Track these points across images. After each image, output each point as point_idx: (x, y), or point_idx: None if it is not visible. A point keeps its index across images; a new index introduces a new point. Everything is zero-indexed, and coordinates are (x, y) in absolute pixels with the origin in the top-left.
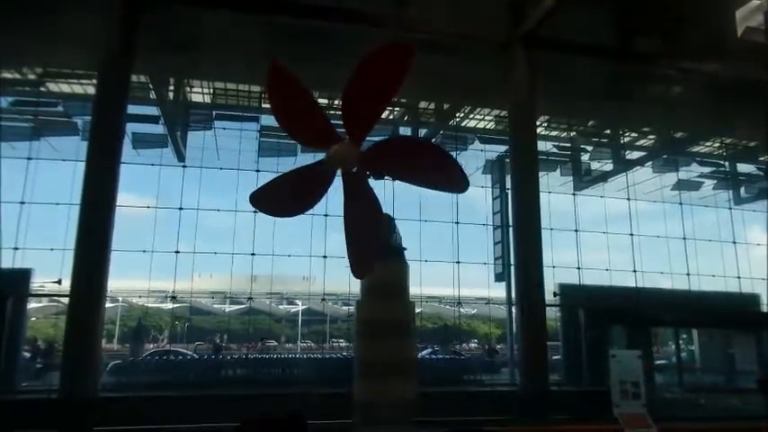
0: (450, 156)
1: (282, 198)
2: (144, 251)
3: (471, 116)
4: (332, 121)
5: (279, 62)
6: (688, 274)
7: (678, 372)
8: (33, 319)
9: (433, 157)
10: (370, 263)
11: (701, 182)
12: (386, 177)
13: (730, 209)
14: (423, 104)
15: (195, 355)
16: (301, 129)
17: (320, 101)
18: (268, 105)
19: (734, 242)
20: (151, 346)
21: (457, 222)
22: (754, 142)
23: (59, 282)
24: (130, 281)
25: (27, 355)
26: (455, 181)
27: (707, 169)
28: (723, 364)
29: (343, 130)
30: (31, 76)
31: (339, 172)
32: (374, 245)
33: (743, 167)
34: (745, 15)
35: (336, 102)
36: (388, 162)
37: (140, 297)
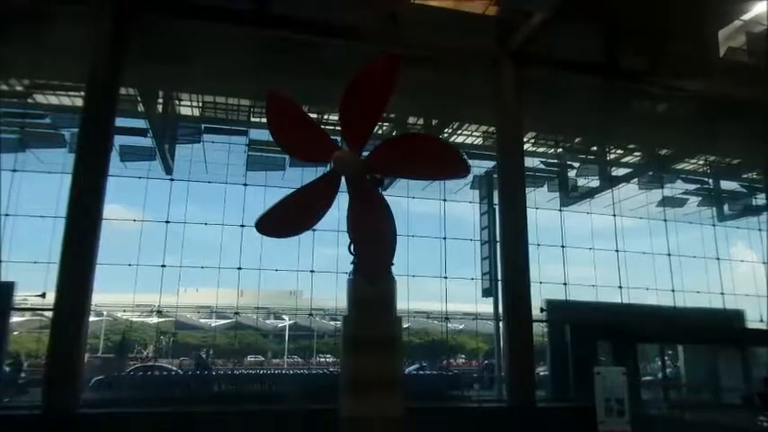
0: (447, 144)
1: (288, 219)
2: (129, 264)
3: (459, 132)
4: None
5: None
6: (673, 290)
7: (663, 388)
8: (16, 333)
9: (431, 149)
10: (384, 265)
11: (685, 198)
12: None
13: (714, 225)
14: (411, 120)
15: (180, 371)
16: (301, 145)
17: (311, 114)
18: (257, 119)
19: (717, 258)
20: (135, 360)
21: (444, 237)
22: (737, 160)
23: (43, 295)
24: (115, 294)
25: (8, 369)
26: (456, 168)
27: (691, 186)
28: (708, 380)
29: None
30: (19, 88)
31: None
32: (387, 246)
33: (726, 185)
34: (728, 35)
35: (326, 116)
36: (390, 162)
37: (125, 311)
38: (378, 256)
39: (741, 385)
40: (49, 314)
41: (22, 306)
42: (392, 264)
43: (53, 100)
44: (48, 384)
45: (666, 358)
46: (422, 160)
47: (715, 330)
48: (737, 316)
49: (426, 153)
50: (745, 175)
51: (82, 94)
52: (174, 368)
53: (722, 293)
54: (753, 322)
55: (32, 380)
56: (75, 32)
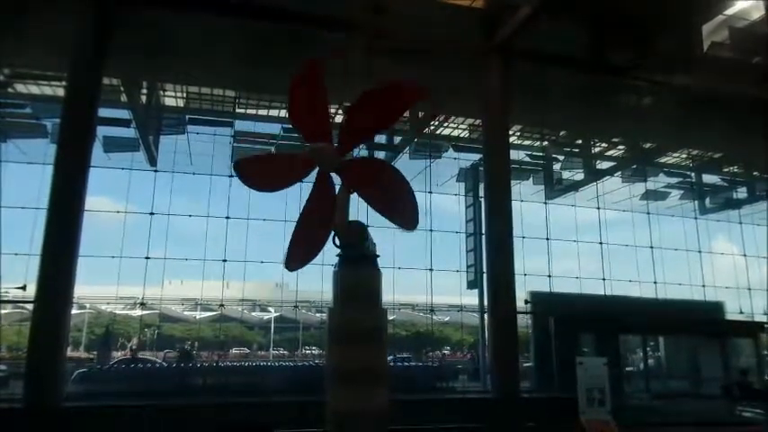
0: (410, 196)
1: (266, 171)
2: (113, 257)
3: (446, 124)
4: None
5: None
6: (655, 282)
7: (645, 378)
8: None
9: (397, 189)
10: (306, 258)
11: (668, 192)
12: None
13: (696, 218)
14: None
15: (164, 363)
16: (307, 123)
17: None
18: (242, 110)
19: (699, 251)
20: (119, 353)
21: (430, 230)
22: (719, 154)
23: (24, 287)
24: (99, 287)
25: None
26: (407, 218)
27: (674, 179)
28: (689, 370)
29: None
30: None
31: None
32: (318, 244)
33: (708, 178)
34: (712, 30)
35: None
36: (360, 178)
37: (108, 303)
38: (306, 245)
39: (721, 375)
40: (31, 306)
41: (3, 298)
42: (378, 255)
43: (34, 90)
44: (29, 377)
45: (648, 349)
46: (386, 195)
47: (696, 322)
48: (718, 307)
49: (392, 192)
50: (726, 169)
51: (63, 83)
52: (159, 360)
53: (703, 285)
54: (732, 314)
55: (14, 373)
56: (57, 21)
